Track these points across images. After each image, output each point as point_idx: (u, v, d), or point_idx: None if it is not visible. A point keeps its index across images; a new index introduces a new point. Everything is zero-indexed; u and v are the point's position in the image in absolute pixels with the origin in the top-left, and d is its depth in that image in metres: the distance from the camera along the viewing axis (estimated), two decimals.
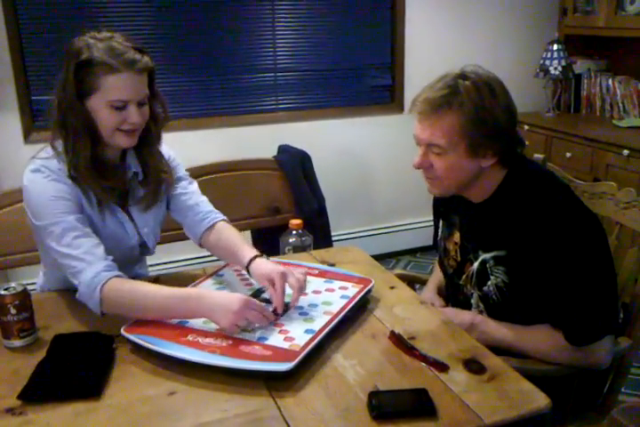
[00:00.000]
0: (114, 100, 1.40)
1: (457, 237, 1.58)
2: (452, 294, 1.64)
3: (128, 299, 1.35)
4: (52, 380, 1.19)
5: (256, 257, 1.49)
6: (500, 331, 1.46)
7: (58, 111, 1.44)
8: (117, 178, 1.55)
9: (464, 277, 1.55)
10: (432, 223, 1.76)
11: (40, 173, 1.44)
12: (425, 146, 1.41)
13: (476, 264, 1.49)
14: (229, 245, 1.58)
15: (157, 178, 1.60)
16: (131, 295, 1.36)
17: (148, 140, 1.56)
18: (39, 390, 1.16)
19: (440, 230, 1.68)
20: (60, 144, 1.47)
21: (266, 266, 1.45)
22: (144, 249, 1.67)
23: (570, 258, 1.34)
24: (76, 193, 1.46)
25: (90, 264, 1.36)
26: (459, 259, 1.57)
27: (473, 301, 1.53)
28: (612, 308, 1.39)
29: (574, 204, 1.40)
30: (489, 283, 1.46)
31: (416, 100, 1.41)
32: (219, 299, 1.31)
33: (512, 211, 1.41)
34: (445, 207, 1.65)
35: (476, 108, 1.34)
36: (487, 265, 1.46)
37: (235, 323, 1.27)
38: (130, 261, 1.68)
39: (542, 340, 1.41)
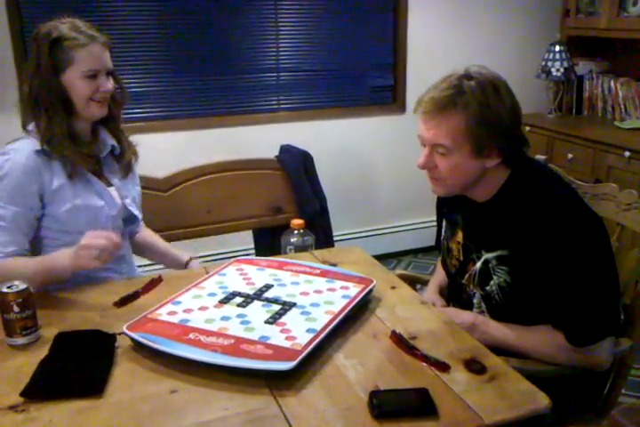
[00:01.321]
0: (87, 70, 1.59)
1: (460, 236, 1.58)
2: (455, 294, 1.64)
3: (11, 269, 1.51)
4: (54, 378, 1.20)
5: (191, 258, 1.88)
6: (501, 331, 1.46)
7: (30, 92, 1.60)
8: (91, 146, 1.69)
9: (467, 276, 1.55)
10: (433, 224, 1.76)
11: (4, 156, 1.58)
12: (430, 146, 1.41)
13: (478, 264, 1.50)
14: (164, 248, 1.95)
15: (130, 151, 1.79)
16: (14, 267, 1.52)
17: (112, 117, 1.73)
18: (42, 388, 1.16)
19: (443, 230, 1.68)
20: (32, 126, 1.63)
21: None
22: (132, 218, 1.78)
23: (573, 259, 1.34)
24: (37, 175, 1.57)
25: None
26: (461, 258, 1.57)
27: (475, 300, 1.53)
28: (613, 309, 1.39)
29: (578, 204, 1.40)
30: (491, 283, 1.47)
31: (421, 101, 1.41)
32: (66, 251, 1.47)
33: (516, 210, 1.41)
34: (449, 207, 1.65)
35: (482, 108, 1.35)
36: (490, 265, 1.46)
37: (87, 257, 1.42)
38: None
39: (543, 340, 1.41)
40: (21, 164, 1.56)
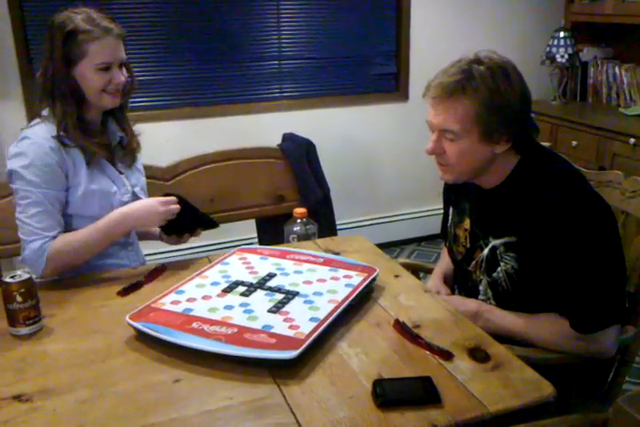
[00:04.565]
0: (99, 63, 1.59)
1: (467, 223, 1.57)
2: (461, 281, 1.64)
3: (73, 242, 1.60)
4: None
5: None
6: (506, 319, 1.46)
7: (44, 80, 1.61)
8: (102, 137, 1.71)
9: (473, 263, 1.55)
10: (437, 212, 1.76)
11: (26, 140, 1.60)
12: (438, 131, 1.40)
13: (485, 251, 1.49)
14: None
15: (135, 139, 1.81)
16: (73, 238, 1.60)
17: (120, 106, 1.74)
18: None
19: (450, 218, 1.68)
20: (46, 111, 1.64)
21: None
22: None
23: (580, 246, 1.34)
24: (60, 157, 1.60)
25: (43, 238, 1.58)
26: (468, 245, 1.57)
27: (481, 287, 1.53)
28: (619, 297, 1.38)
29: (587, 192, 1.39)
30: (498, 269, 1.46)
31: (430, 86, 1.39)
32: (140, 211, 1.63)
33: (524, 197, 1.40)
34: (455, 195, 1.64)
35: (491, 93, 1.33)
36: (497, 251, 1.46)
37: (165, 219, 1.63)
38: None
39: (547, 328, 1.41)
40: (45, 146, 1.59)
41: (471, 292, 1.57)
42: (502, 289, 1.47)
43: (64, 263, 1.61)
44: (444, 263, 1.78)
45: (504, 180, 1.45)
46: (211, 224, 1.76)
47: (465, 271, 1.59)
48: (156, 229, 1.80)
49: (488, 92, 1.33)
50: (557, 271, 1.36)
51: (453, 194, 1.66)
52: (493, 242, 1.47)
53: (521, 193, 1.41)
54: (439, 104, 1.37)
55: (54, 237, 1.59)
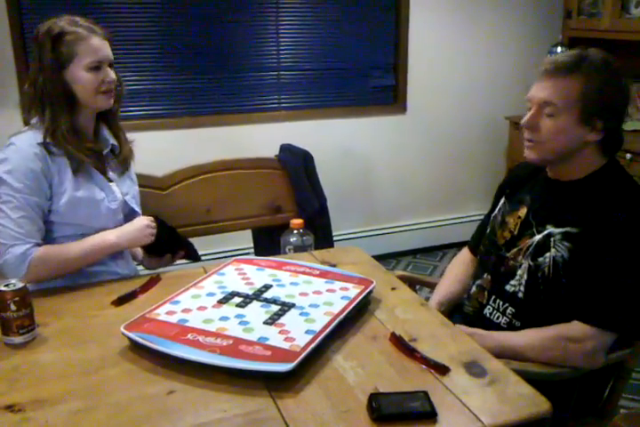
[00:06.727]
0: (90, 62, 1.61)
1: (523, 212, 1.59)
2: (494, 266, 1.63)
3: (58, 256, 1.60)
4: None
5: None
6: (493, 337, 1.46)
7: (35, 89, 1.62)
8: (94, 143, 1.72)
9: (515, 250, 1.55)
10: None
11: (11, 147, 1.60)
12: (538, 105, 1.45)
13: (538, 237, 1.50)
14: None
15: (128, 148, 1.82)
16: (60, 252, 1.61)
17: (112, 112, 1.77)
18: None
19: (499, 207, 1.71)
20: (35, 120, 1.65)
21: None
22: (133, 214, 1.80)
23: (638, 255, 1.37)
24: (44, 164, 1.59)
25: (25, 243, 1.56)
26: (515, 233, 1.58)
27: (519, 272, 1.53)
28: None
29: None
30: (547, 255, 1.47)
31: (544, 62, 1.46)
32: (129, 234, 1.69)
33: (604, 195, 1.44)
34: (513, 189, 1.69)
35: (602, 79, 1.41)
36: (551, 239, 1.47)
37: (152, 234, 1.70)
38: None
39: (539, 333, 1.42)
40: (29, 152, 1.58)
41: (504, 277, 1.57)
42: (542, 275, 1.47)
43: (46, 274, 1.60)
44: (440, 290, 1.78)
45: (587, 175, 1.48)
46: (192, 254, 1.84)
47: (501, 257, 1.59)
48: (139, 252, 1.84)
49: (599, 77, 1.41)
50: (606, 270, 1.39)
51: (510, 188, 1.70)
52: (551, 229, 1.48)
53: (602, 191, 1.45)
54: (550, 78, 1.43)
55: (38, 245, 1.58)
